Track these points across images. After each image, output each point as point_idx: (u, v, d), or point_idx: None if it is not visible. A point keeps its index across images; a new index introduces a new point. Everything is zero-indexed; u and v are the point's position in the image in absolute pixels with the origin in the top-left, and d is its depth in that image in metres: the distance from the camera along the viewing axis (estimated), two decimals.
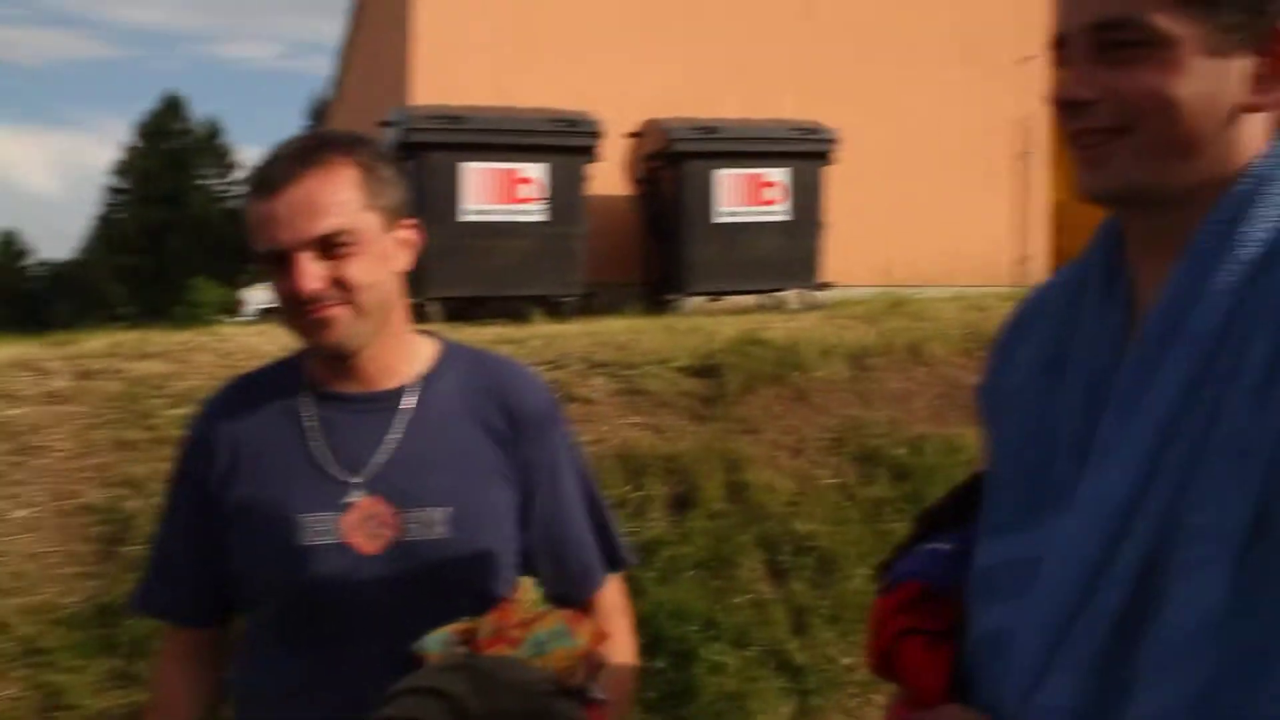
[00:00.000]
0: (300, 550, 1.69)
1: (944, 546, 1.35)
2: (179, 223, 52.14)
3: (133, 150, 55.23)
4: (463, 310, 7.67)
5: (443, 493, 1.74)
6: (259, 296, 23.22)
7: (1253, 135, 1.12)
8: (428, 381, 1.82)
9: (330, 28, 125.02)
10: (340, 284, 1.66)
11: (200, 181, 56.23)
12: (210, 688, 1.86)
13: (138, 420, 4.64)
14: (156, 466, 4.36)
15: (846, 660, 4.09)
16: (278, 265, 1.67)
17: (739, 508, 4.63)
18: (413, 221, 1.80)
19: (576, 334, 6.16)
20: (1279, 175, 1.11)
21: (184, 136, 56.75)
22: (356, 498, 1.72)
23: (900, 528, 4.64)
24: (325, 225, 1.64)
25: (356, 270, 1.67)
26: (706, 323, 6.63)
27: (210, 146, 57.69)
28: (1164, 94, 1.08)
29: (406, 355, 1.83)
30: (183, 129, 56.86)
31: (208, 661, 1.86)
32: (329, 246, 1.65)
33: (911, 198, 10.84)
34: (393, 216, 1.75)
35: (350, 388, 1.79)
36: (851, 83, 10.68)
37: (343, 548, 1.69)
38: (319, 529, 1.69)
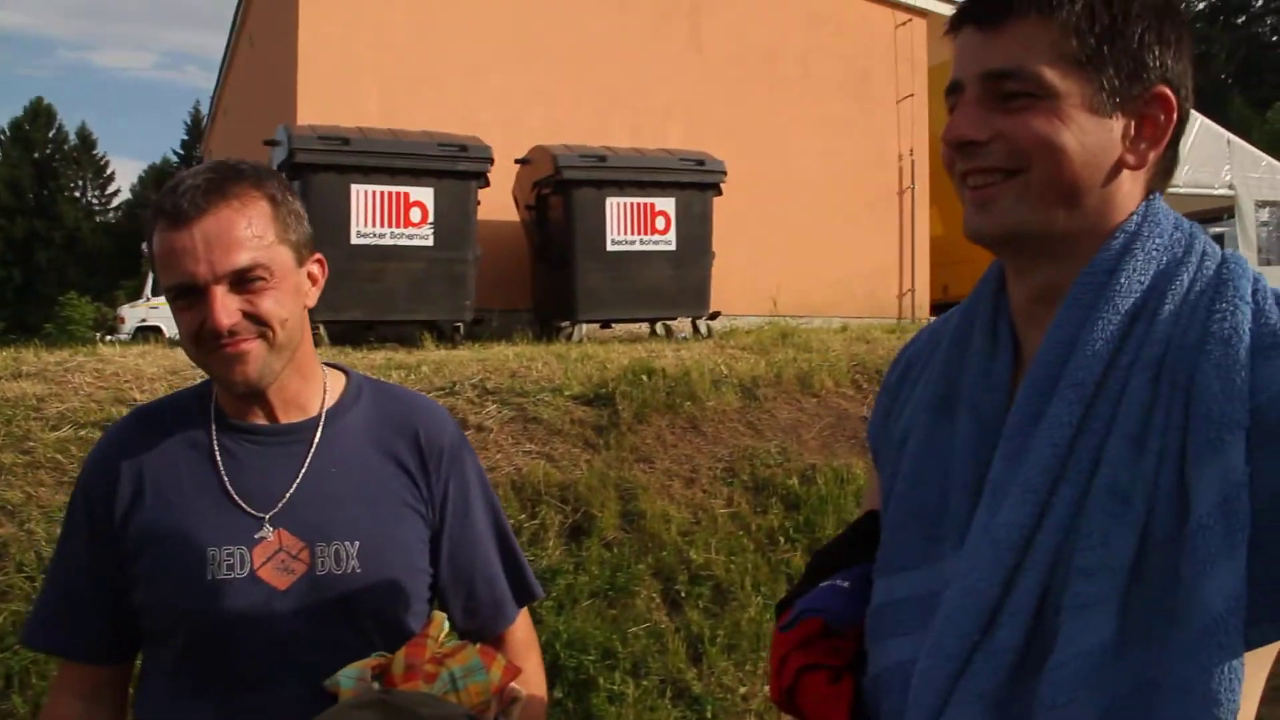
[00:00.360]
0: (210, 584, 1.65)
1: (843, 583, 1.38)
2: (48, 236, 50.36)
3: None
4: (350, 334, 7.57)
5: (353, 526, 1.72)
6: (138, 315, 22.57)
7: (1128, 192, 1.20)
8: (336, 414, 1.81)
9: (208, 40, 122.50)
10: (254, 318, 1.64)
11: (72, 194, 54.47)
12: None
13: (13, 444, 4.45)
14: (33, 492, 4.20)
15: (743, 689, 4.11)
16: (189, 298, 1.63)
17: (634, 537, 4.63)
18: (318, 256, 1.79)
19: (468, 360, 6.12)
20: (1150, 230, 1.19)
21: (54, 146, 54.95)
22: (267, 532, 1.69)
23: (794, 558, 4.71)
24: (241, 259, 1.61)
25: (271, 304, 1.65)
26: (598, 351, 6.65)
27: (83, 157, 55.94)
28: (1052, 140, 1.14)
29: (314, 388, 1.81)
30: (53, 138, 55.04)
31: (108, 700, 1.79)
32: (243, 281, 1.62)
33: (797, 230, 11.06)
34: (302, 250, 1.73)
35: (259, 420, 1.76)
36: (738, 115, 10.87)
37: (253, 582, 1.66)
38: (229, 563, 1.66)
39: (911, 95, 12.21)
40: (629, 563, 4.47)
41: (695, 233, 8.70)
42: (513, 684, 1.69)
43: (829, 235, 11.35)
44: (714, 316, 8.77)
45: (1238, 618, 1.00)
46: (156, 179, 52.15)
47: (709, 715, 3.97)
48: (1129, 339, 1.14)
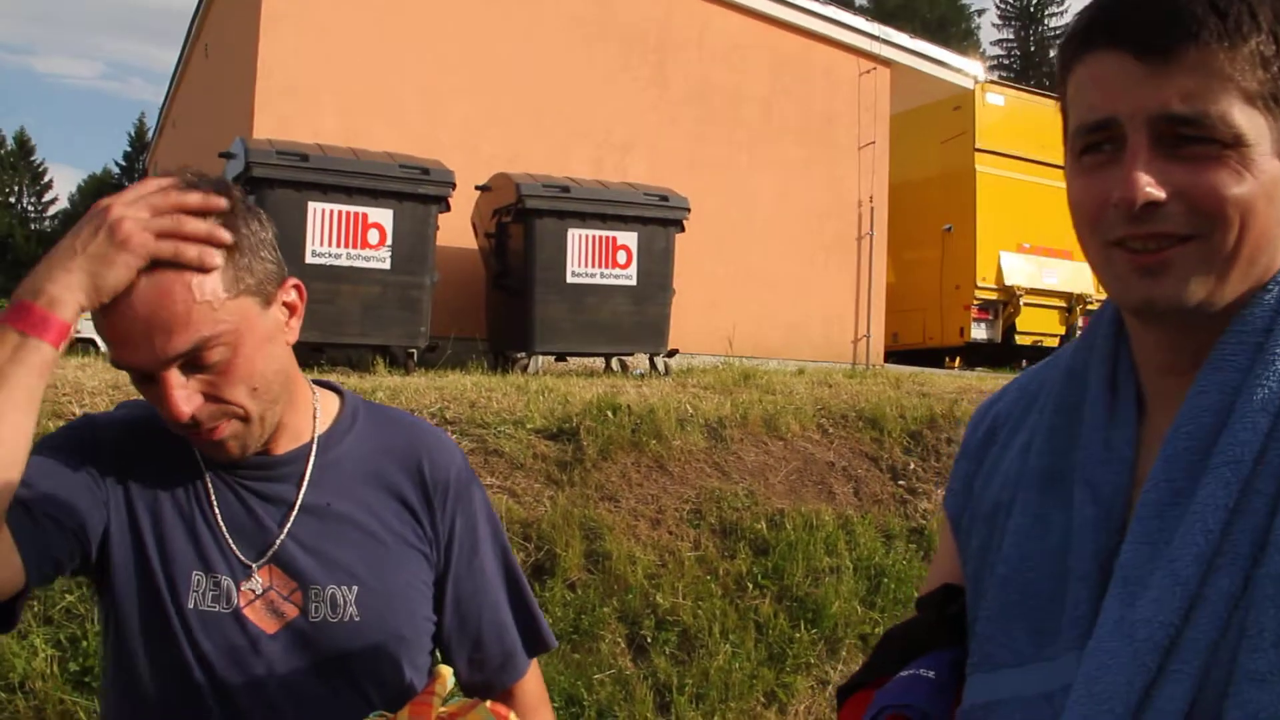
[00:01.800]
0: (190, 612, 1.46)
1: (927, 673, 1.22)
2: None
3: None
4: (300, 356, 7.31)
5: (350, 569, 1.54)
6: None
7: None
8: (330, 441, 1.62)
9: (156, 53, 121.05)
10: (219, 399, 1.43)
11: (6, 199, 53.49)
12: None
13: None
14: None
15: None
16: (142, 382, 1.42)
17: (599, 578, 4.45)
18: (294, 281, 1.55)
19: (424, 388, 5.92)
20: None
21: None
22: (254, 570, 1.50)
23: (762, 604, 4.56)
24: (187, 341, 1.37)
25: (233, 386, 1.43)
26: (557, 384, 6.48)
27: (19, 163, 54.98)
28: (1242, 201, 0.97)
29: (305, 413, 1.62)
30: None
31: None
32: (198, 363, 1.40)
33: (755, 271, 11.02)
34: (270, 287, 1.49)
35: None
36: (699, 154, 10.82)
37: (237, 619, 1.47)
38: (214, 593, 1.47)
39: (873, 143, 12.24)
40: (594, 605, 4.29)
41: (656, 268, 8.59)
42: None
43: (786, 278, 11.31)
44: (672, 354, 8.65)
45: None
46: (96, 189, 51.20)
47: None
48: None
